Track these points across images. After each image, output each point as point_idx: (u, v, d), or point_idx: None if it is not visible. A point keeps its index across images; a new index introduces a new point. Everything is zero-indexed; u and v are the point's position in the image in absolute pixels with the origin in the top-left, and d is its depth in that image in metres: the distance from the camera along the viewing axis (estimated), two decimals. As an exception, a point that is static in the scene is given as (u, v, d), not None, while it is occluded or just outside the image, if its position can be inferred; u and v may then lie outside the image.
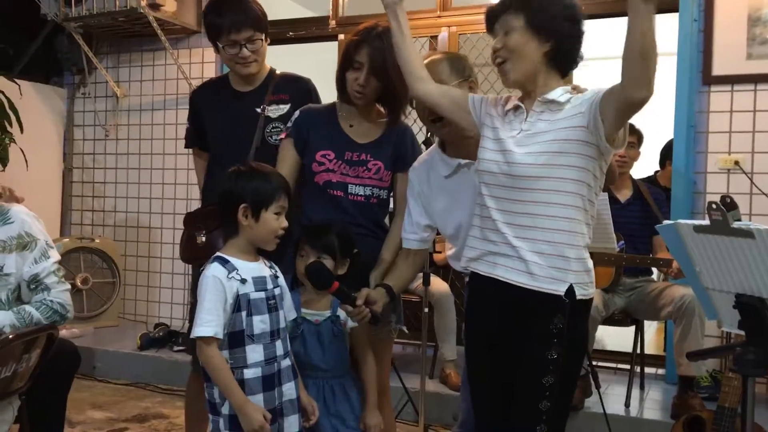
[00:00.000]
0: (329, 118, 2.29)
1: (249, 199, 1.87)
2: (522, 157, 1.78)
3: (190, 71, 4.84)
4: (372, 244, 2.23)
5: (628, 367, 3.65)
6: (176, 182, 4.91)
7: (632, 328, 3.61)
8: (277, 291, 1.93)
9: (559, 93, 1.80)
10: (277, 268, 2.00)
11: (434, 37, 4.53)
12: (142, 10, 4.46)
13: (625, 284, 3.52)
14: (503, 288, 1.80)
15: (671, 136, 3.86)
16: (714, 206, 1.46)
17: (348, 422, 2.08)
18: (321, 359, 2.06)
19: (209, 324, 1.79)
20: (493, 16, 1.86)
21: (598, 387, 3.16)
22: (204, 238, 2.47)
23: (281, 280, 1.98)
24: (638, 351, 3.63)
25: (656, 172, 4.39)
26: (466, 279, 2.00)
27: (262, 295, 1.87)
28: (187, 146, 2.82)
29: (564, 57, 1.82)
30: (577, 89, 1.83)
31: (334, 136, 2.26)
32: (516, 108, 1.87)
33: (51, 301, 2.11)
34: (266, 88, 2.55)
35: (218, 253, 1.90)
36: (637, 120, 4.15)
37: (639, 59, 1.56)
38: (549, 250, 1.75)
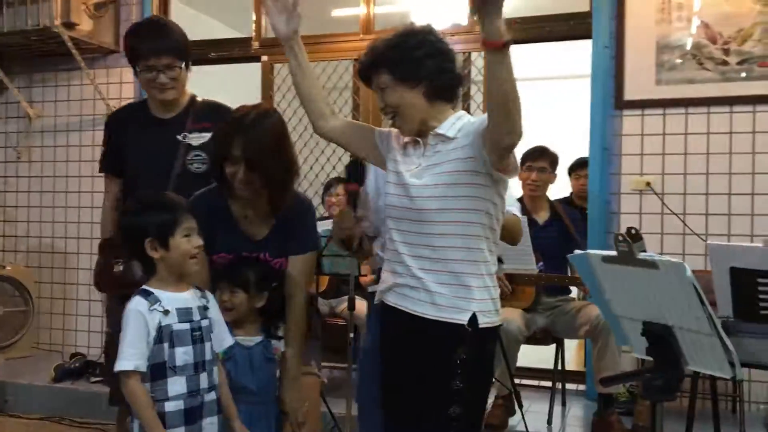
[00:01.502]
0: (223, 212, 2.18)
1: (152, 231, 1.85)
2: (419, 189, 1.81)
3: (107, 91, 4.70)
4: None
5: (550, 384, 3.73)
6: (93, 205, 4.73)
7: (553, 346, 3.70)
8: (204, 323, 1.91)
9: (448, 125, 1.84)
10: (210, 298, 1.98)
11: (357, 60, 4.54)
12: (56, 29, 4.31)
13: (545, 303, 3.61)
14: (410, 319, 1.82)
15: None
16: (620, 238, 1.51)
17: None
18: (251, 382, 2.07)
19: (131, 357, 1.78)
20: (364, 76, 1.91)
21: (520, 406, 3.21)
22: (122, 267, 2.40)
23: (212, 311, 1.96)
24: (559, 368, 3.72)
25: (571, 193, 4.55)
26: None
27: (186, 326, 1.86)
28: (101, 171, 2.73)
29: (443, 90, 1.85)
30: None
31: (230, 235, 2.16)
32: (414, 142, 1.90)
33: None
34: (187, 115, 2.51)
35: (143, 286, 1.88)
36: (554, 141, 4.33)
37: (501, 107, 1.60)
38: (451, 280, 1.77)
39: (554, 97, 6.27)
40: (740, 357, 2.33)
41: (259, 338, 2.13)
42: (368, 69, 1.87)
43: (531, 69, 5.57)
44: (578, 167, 4.53)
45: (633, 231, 1.51)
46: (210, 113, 2.51)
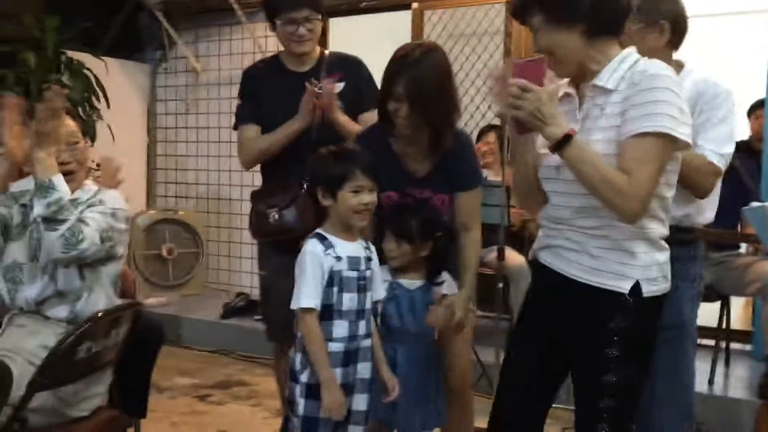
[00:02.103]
0: (384, 150, 2.19)
1: (323, 181, 1.94)
2: None
3: (266, 44, 4.89)
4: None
5: (713, 343, 3.53)
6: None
7: (718, 303, 3.48)
8: (368, 273, 1.98)
9: (608, 73, 1.65)
10: (373, 250, 2.04)
11: (509, 3, 4.40)
12: (218, -15, 4.53)
13: (712, 258, 3.38)
14: (565, 281, 1.72)
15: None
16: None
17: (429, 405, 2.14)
18: (411, 324, 2.12)
19: (309, 296, 1.87)
20: (519, 16, 1.77)
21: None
22: (277, 216, 2.51)
23: (374, 263, 2.02)
24: (724, 326, 3.51)
25: (750, 136, 4.18)
26: None
27: (354, 274, 1.93)
28: (238, 124, 2.67)
29: (605, 26, 1.66)
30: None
31: (393, 173, 2.17)
32: (567, 95, 1.76)
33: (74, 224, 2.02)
34: (320, 67, 2.56)
35: (318, 230, 1.97)
36: (732, 82, 4.00)
37: (598, 197, 1.59)
38: (613, 245, 1.65)
39: (734, 34, 5.76)
40: None
41: (420, 282, 2.16)
42: (521, 9, 1.73)
43: (707, 4, 5.15)
44: (758, 107, 4.14)
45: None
46: (342, 64, 2.57)
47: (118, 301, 2.22)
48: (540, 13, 1.66)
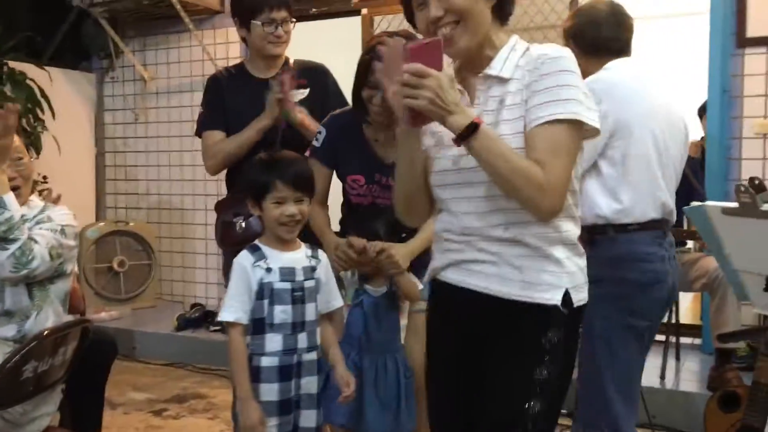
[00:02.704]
0: (355, 135, 2.26)
1: (249, 190, 1.92)
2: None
3: (215, 52, 4.84)
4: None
5: (663, 338, 3.61)
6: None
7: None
8: (308, 283, 1.92)
9: (500, 62, 1.46)
10: (322, 259, 1.98)
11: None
12: (165, -7, 4.47)
13: (659, 255, 3.47)
14: (481, 299, 1.49)
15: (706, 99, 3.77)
16: (742, 188, 1.42)
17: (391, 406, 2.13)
18: (376, 330, 2.12)
19: (232, 309, 1.84)
20: None
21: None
22: (243, 224, 2.50)
23: (321, 271, 1.96)
24: (673, 322, 3.59)
25: (702, 137, 4.30)
26: None
27: (287, 285, 1.88)
28: (201, 131, 2.68)
29: (505, 9, 1.50)
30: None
31: (362, 157, 2.24)
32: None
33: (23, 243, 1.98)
34: None
35: (255, 241, 1.94)
36: (673, 83, 4.09)
37: (508, 192, 1.40)
38: (533, 252, 1.45)
39: (672, 36, 5.91)
40: None
41: (385, 288, 2.15)
42: None
43: (647, 7, 5.28)
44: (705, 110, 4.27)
45: (756, 181, 1.41)
46: (306, 71, 2.58)
47: (68, 318, 2.18)
48: None
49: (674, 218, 2.13)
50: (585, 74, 2.24)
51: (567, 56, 1.42)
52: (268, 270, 1.87)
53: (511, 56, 1.45)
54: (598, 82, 2.10)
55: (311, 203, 1.94)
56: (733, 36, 3.61)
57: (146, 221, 5.22)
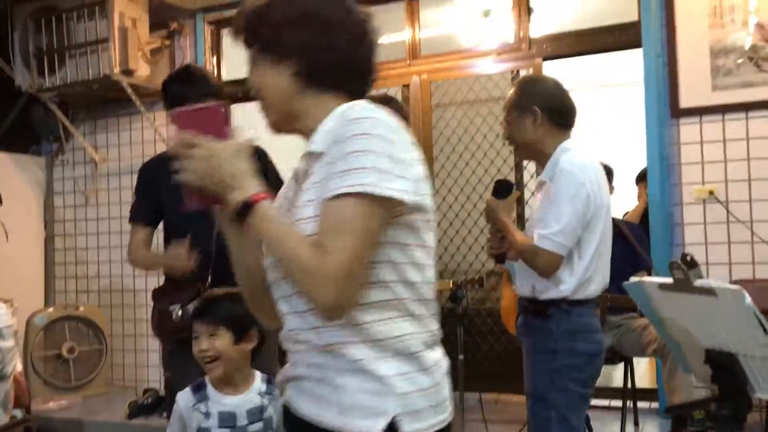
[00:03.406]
0: None
1: None
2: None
3: (167, 133, 4.86)
4: None
5: (620, 403, 3.63)
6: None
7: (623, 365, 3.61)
8: (254, 427, 1.79)
9: (320, 134, 1.27)
10: (276, 395, 1.78)
11: (406, 86, 4.58)
12: (115, 77, 4.50)
13: (611, 322, 3.52)
14: (311, 428, 1.23)
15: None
16: (675, 265, 1.47)
17: None
18: None
19: None
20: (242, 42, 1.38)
21: (590, 430, 3.13)
22: (180, 312, 2.46)
23: (273, 410, 1.80)
24: (630, 387, 3.62)
25: (625, 213, 4.46)
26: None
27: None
28: (130, 222, 2.75)
29: (321, 73, 1.30)
30: None
31: None
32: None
33: None
34: None
35: (202, 378, 1.85)
36: (613, 151, 4.25)
37: (292, 280, 1.21)
38: (351, 366, 1.20)
39: (613, 104, 6.16)
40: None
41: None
42: (235, 34, 1.37)
43: (584, 78, 5.51)
44: (644, 177, 4.42)
45: (688, 258, 1.46)
46: None
47: (14, 414, 2.10)
48: (253, 39, 1.34)
49: None
50: (541, 147, 2.29)
51: (367, 116, 1.20)
52: (207, 415, 1.78)
53: (327, 124, 1.26)
54: (576, 166, 2.20)
55: None
56: (667, 107, 3.77)
57: (97, 305, 5.10)
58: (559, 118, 2.31)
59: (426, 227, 1.27)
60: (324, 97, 1.30)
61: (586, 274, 2.20)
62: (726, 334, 1.47)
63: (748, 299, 1.35)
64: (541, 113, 2.26)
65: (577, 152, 2.25)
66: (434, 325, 1.30)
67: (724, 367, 1.49)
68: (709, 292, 1.43)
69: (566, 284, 2.17)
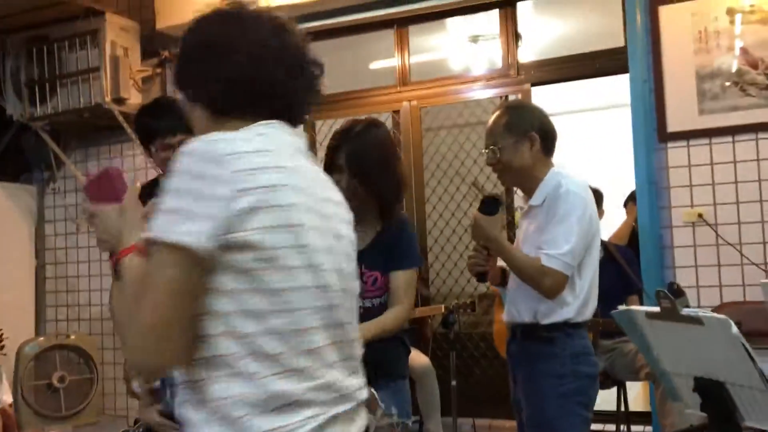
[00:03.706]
0: None
1: None
2: None
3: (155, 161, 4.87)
4: (385, 347, 2.09)
5: (614, 427, 3.62)
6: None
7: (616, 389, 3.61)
8: None
9: None
10: None
11: (396, 112, 4.62)
12: (107, 106, 4.51)
13: (603, 346, 3.53)
14: None
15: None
16: (662, 294, 1.48)
17: None
18: None
19: None
20: None
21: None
22: None
23: None
24: (623, 410, 3.62)
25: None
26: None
27: None
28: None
29: (225, 99, 1.25)
30: None
31: None
32: None
33: None
34: None
35: None
36: (603, 174, 4.28)
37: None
38: (214, 415, 1.10)
39: (600, 128, 6.22)
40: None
41: None
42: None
43: (570, 102, 5.57)
44: (631, 200, 4.46)
45: (675, 286, 1.48)
46: None
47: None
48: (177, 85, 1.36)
49: None
50: (528, 173, 2.30)
51: (189, 151, 1.14)
52: None
53: None
54: (577, 186, 2.24)
55: None
56: (654, 131, 3.81)
57: (88, 333, 5.07)
58: (550, 144, 2.34)
59: (269, 266, 1.09)
60: (234, 125, 1.21)
61: (586, 296, 2.22)
62: (714, 362, 1.48)
63: (735, 329, 1.36)
64: (539, 139, 2.29)
65: (573, 176, 2.28)
66: (307, 380, 1.11)
67: (713, 396, 1.50)
68: (696, 321, 1.44)
69: (570, 306, 2.19)
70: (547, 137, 2.32)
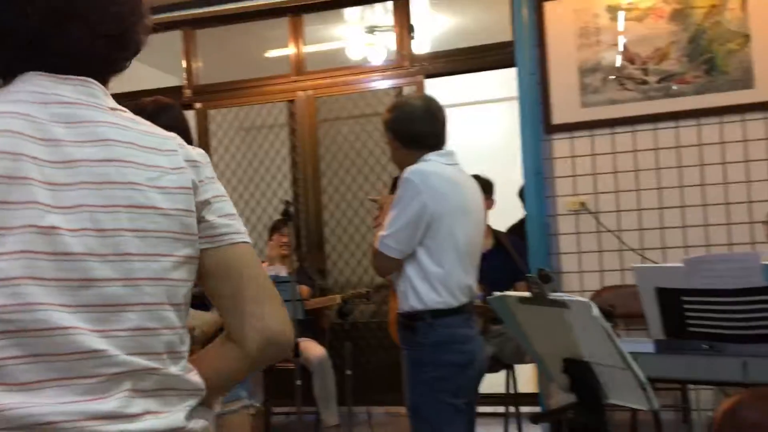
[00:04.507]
0: None
1: None
2: None
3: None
4: None
5: (503, 409, 3.75)
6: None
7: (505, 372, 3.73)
8: None
9: None
10: None
11: (291, 101, 4.58)
12: None
13: (493, 331, 3.64)
14: None
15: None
16: (532, 280, 1.54)
17: None
18: None
19: None
20: None
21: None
22: None
23: None
24: (512, 393, 3.75)
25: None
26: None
27: None
28: None
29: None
30: None
31: None
32: None
33: None
34: None
35: None
36: (491, 165, 4.40)
37: None
38: None
39: (488, 120, 6.38)
40: (679, 374, 2.39)
41: None
42: None
43: (461, 94, 5.69)
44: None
45: (544, 272, 1.54)
46: None
47: None
48: None
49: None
50: (404, 164, 2.38)
51: None
52: None
53: None
54: (416, 173, 2.24)
55: None
56: (541, 123, 3.95)
57: None
58: (406, 138, 2.37)
59: None
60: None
61: (446, 284, 2.23)
62: (579, 344, 1.55)
63: (596, 311, 1.43)
64: (394, 139, 2.37)
65: (427, 163, 2.31)
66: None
67: (580, 376, 1.58)
68: (561, 304, 1.51)
69: (424, 294, 2.21)
70: (399, 132, 2.37)
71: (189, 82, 4.70)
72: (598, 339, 1.48)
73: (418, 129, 2.37)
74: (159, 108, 1.98)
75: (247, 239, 1.07)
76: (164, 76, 5.34)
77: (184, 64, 4.70)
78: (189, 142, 2.02)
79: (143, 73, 5.54)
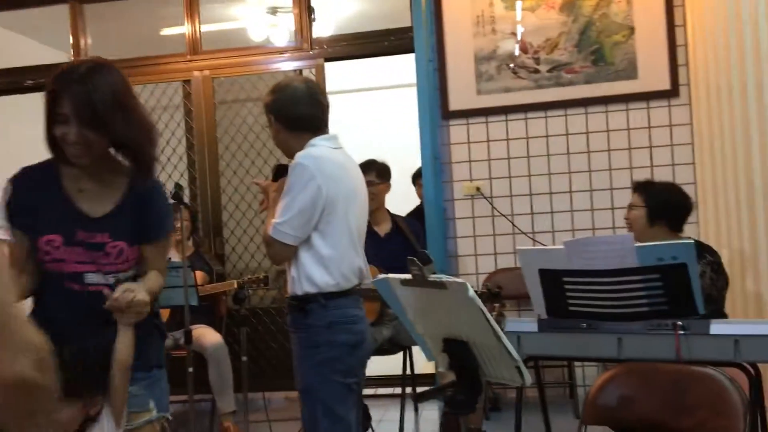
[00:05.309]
0: (51, 187, 1.82)
1: None
2: None
3: None
4: (136, 334, 1.78)
5: (400, 390, 3.80)
6: None
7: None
8: None
9: None
10: None
11: (187, 82, 4.45)
12: None
13: (389, 315, 3.67)
14: None
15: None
16: (412, 262, 1.56)
17: None
18: None
19: None
20: None
21: (368, 418, 3.24)
22: None
23: None
24: (409, 374, 3.80)
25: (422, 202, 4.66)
26: None
27: None
28: None
29: None
30: None
31: (60, 211, 1.80)
32: None
33: None
34: None
35: None
36: (388, 150, 4.43)
37: None
38: None
39: (387, 106, 6.41)
40: (561, 351, 2.49)
41: None
42: None
43: (361, 80, 5.70)
44: (420, 176, 4.64)
45: (423, 254, 1.56)
46: None
47: None
48: None
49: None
50: (290, 149, 2.36)
51: None
52: None
53: None
54: (308, 158, 2.23)
55: None
56: (438, 109, 4.01)
57: None
58: (289, 120, 2.34)
59: None
60: None
61: (340, 266, 2.25)
62: (458, 323, 1.59)
63: (471, 291, 1.47)
64: (275, 121, 2.34)
65: (316, 148, 2.30)
66: None
67: (459, 355, 1.61)
68: (440, 285, 1.53)
69: (319, 278, 2.22)
70: (281, 115, 2.34)
71: (76, 56, 4.49)
72: (476, 319, 1.52)
73: (300, 111, 2.34)
74: (95, 65, 1.80)
75: None
76: (55, 52, 5.08)
77: (71, 39, 4.48)
78: (134, 100, 1.91)
79: (27, 48, 5.25)
